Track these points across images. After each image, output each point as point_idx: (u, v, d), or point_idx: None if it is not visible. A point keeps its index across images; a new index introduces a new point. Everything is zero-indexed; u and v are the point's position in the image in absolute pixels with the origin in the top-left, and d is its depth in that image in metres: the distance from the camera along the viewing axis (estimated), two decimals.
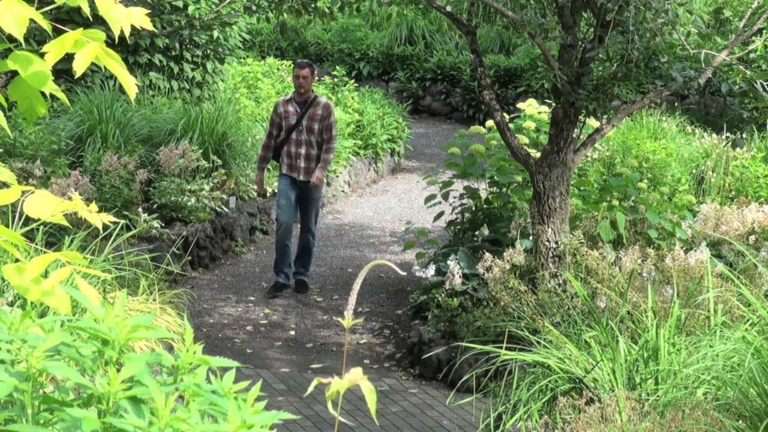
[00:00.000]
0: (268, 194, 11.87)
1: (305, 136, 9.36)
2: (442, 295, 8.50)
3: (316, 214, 9.71)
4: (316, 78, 15.43)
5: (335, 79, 15.31)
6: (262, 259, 10.98)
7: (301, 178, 9.43)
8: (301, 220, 9.73)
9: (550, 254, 7.89)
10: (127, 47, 11.69)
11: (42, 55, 2.27)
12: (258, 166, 9.70)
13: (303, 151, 9.36)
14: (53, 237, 7.60)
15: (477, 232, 9.38)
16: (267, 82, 14.29)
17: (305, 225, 9.72)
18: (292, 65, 15.62)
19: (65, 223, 2.40)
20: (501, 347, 5.75)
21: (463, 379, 6.60)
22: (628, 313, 6.14)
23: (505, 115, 8.21)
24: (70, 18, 10.86)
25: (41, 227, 6.43)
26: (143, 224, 9.50)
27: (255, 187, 10.00)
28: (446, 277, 8.64)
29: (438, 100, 18.86)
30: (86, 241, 6.99)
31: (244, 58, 15.52)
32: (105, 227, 2.51)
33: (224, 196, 10.93)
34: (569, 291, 7.32)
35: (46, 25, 2.22)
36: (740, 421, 4.63)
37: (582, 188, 10.11)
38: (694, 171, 12.05)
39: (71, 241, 6.76)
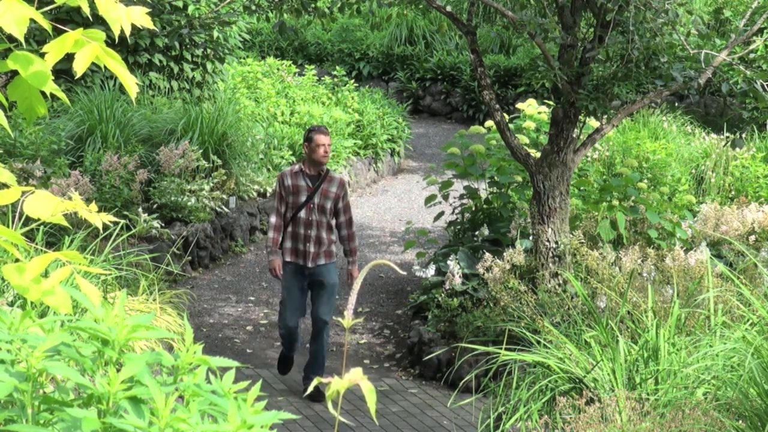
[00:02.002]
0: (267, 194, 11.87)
1: (316, 216, 7.59)
2: (442, 295, 8.50)
3: (331, 306, 7.75)
4: (316, 79, 15.45)
5: (335, 79, 15.31)
6: (262, 259, 10.98)
7: (310, 264, 7.60)
8: (314, 315, 7.77)
9: (550, 254, 7.89)
10: (127, 47, 11.69)
11: (42, 55, 2.27)
12: (271, 251, 7.72)
13: (313, 233, 7.59)
14: (53, 237, 7.61)
15: (477, 232, 9.38)
16: (267, 82, 14.29)
17: (319, 322, 7.72)
18: (292, 65, 15.61)
19: (65, 223, 2.40)
20: (501, 347, 5.75)
21: (463, 380, 6.59)
22: (628, 313, 6.14)
23: (505, 115, 8.21)
24: (70, 18, 10.86)
25: (41, 227, 6.43)
26: (143, 224, 9.50)
27: (270, 262, 7.76)
28: (446, 277, 8.64)
29: (438, 100, 18.86)
30: (86, 241, 6.99)
31: (244, 58, 15.51)
32: (105, 227, 2.51)
33: (224, 196, 10.93)
34: (569, 291, 7.32)
35: (46, 25, 2.22)
36: (740, 421, 4.63)
37: (582, 188, 10.10)
38: (694, 171, 12.06)
39: (71, 241, 6.76)
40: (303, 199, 7.62)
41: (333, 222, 7.72)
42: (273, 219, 7.74)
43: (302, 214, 7.61)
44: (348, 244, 7.76)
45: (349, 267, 7.79)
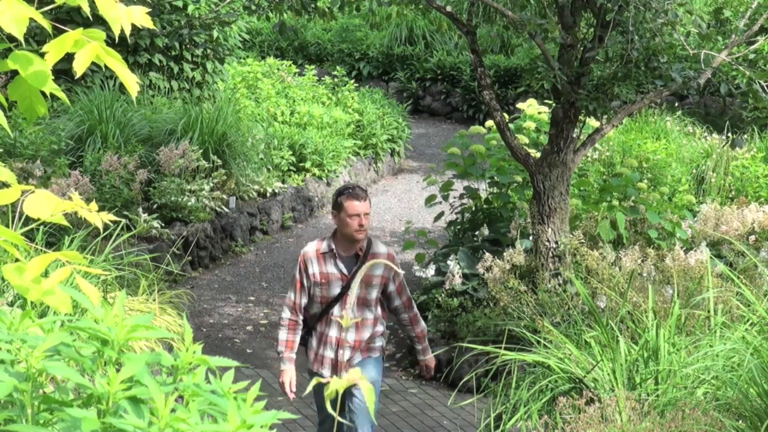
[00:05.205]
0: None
1: (355, 313, 5.57)
2: (442, 295, 8.50)
3: (372, 410, 4.64)
4: (316, 79, 15.42)
5: (335, 79, 15.31)
6: (262, 259, 10.97)
7: (343, 374, 4.67)
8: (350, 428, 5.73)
9: (550, 254, 7.89)
10: (127, 47, 11.69)
11: (42, 55, 2.27)
12: (284, 358, 5.63)
13: (350, 336, 5.57)
14: (53, 237, 7.61)
15: (477, 232, 9.38)
16: (267, 82, 14.29)
17: None
18: (292, 65, 15.60)
19: (65, 223, 2.40)
20: (501, 347, 5.75)
21: (463, 380, 6.59)
22: (628, 313, 6.14)
23: (505, 115, 8.21)
24: (70, 18, 10.86)
25: (41, 227, 6.43)
26: (143, 224, 9.50)
27: (277, 348, 5.76)
28: (446, 277, 8.64)
29: (438, 100, 18.86)
30: (86, 241, 6.99)
31: (244, 58, 15.51)
32: (105, 227, 2.51)
33: (224, 196, 10.93)
34: (569, 291, 7.32)
35: (46, 24, 2.22)
36: (740, 421, 4.63)
37: (582, 188, 10.10)
38: (694, 171, 12.05)
39: (71, 241, 6.76)
40: (336, 291, 5.54)
41: (380, 309, 5.70)
42: (286, 314, 5.64)
43: (335, 311, 5.55)
44: (412, 329, 5.80)
45: (422, 357, 5.86)
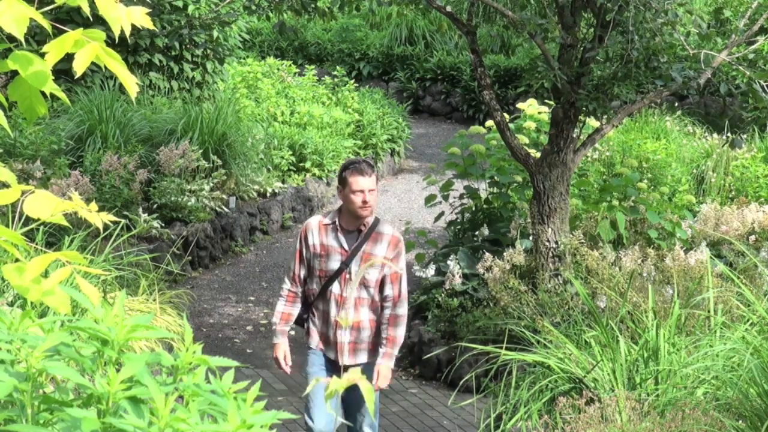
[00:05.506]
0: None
1: (354, 292, 5.38)
2: (442, 295, 8.50)
3: (374, 413, 5.05)
4: (316, 79, 15.41)
5: (335, 79, 15.31)
6: (262, 259, 10.97)
7: (346, 360, 5.44)
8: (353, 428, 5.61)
9: (550, 254, 7.89)
10: (127, 47, 11.69)
11: (42, 55, 2.27)
12: (277, 330, 5.56)
13: (349, 317, 5.45)
14: (53, 237, 7.61)
15: (477, 232, 9.38)
16: (267, 82, 14.29)
17: None
18: (292, 65, 15.60)
19: (65, 223, 2.40)
20: (501, 347, 5.75)
21: (463, 380, 6.60)
22: (628, 313, 6.14)
23: (505, 115, 8.21)
24: (70, 18, 10.86)
25: (41, 227, 6.43)
26: (143, 224, 9.50)
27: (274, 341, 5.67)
28: (446, 277, 8.64)
29: (438, 100, 18.86)
30: (86, 241, 6.99)
31: (244, 58, 15.51)
32: (105, 227, 2.51)
33: (224, 196, 10.93)
34: (569, 291, 7.32)
35: (46, 24, 2.22)
36: (740, 421, 4.63)
37: (582, 188, 10.10)
38: (694, 171, 12.05)
39: (71, 241, 6.76)
40: (335, 266, 5.35)
41: (379, 296, 5.45)
42: (286, 284, 5.53)
43: (335, 287, 5.38)
44: (387, 329, 5.43)
45: (378, 360, 5.43)
